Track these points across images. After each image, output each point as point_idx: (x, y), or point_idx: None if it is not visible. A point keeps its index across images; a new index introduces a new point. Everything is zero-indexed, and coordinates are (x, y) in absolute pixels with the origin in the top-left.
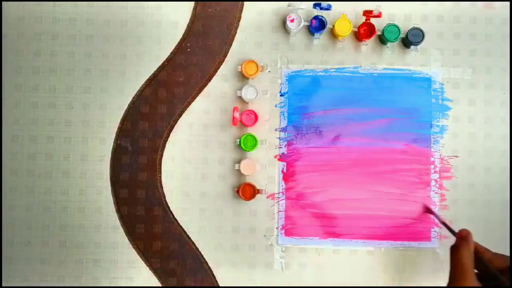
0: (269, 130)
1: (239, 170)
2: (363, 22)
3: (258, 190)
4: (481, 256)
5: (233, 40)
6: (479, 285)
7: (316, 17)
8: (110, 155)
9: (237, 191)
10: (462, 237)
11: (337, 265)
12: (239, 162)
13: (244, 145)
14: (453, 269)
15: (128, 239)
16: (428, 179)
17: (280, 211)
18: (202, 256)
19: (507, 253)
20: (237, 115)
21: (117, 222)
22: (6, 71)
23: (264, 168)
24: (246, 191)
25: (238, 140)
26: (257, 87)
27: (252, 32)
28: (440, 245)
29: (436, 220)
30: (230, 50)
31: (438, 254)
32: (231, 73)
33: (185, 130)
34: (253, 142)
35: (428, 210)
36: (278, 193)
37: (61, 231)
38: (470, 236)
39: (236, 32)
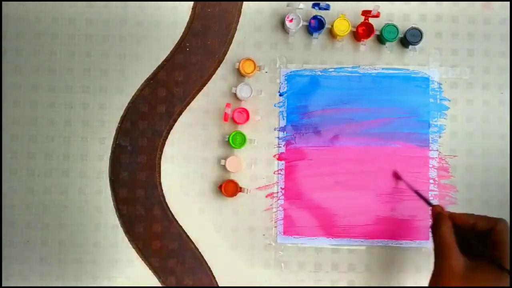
0: (262, 130)
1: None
2: (362, 22)
3: (241, 188)
4: (463, 225)
5: (232, 40)
6: (463, 260)
7: (315, 17)
8: (109, 154)
9: (220, 187)
10: (438, 213)
11: (336, 264)
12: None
13: (233, 142)
14: (437, 247)
15: (128, 238)
16: (426, 179)
17: (279, 210)
18: (201, 255)
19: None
20: (228, 111)
21: (117, 222)
22: (5, 70)
23: (249, 167)
24: (229, 187)
25: (227, 137)
26: (254, 86)
27: (251, 32)
28: None
29: (409, 189)
30: (229, 50)
31: None
32: (230, 72)
33: (184, 130)
34: (242, 139)
35: (397, 177)
36: (277, 193)
37: (61, 230)
38: (444, 210)
39: (235, 32)
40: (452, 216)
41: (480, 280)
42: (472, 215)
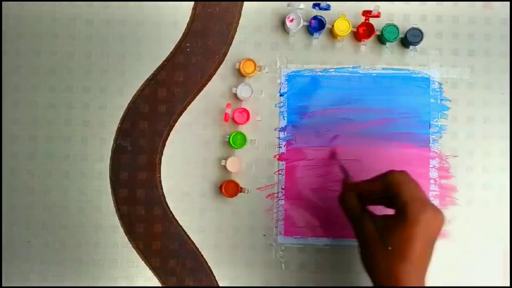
0: (262, 130)
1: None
2: (362, 22)
3: (241, 188)
4: (360, 190)
5: (232, 40)
6: (373, 222)
7: (315, 17)
8: (109, 154)
9: (220, 187)
10: (342, 186)
11: (336, 265)
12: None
13: (233, 142)
14: (348, 219)
15: (128, 238)
16: (426, 179)
17: (280, 210)
18: (202, 256)
19: (508, 256)
20: (229, 111)
21: (117, 222)
22: (6, 71)
23: (250, 167)
24: (229, 188)
25: (227, 137)
26: (255, 87)
27: (252, 32)
28: (439, 244)
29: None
30: (230, 50)
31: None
32: (231, 73)
33: (184, 130)
34: (242, 140)
35: (333, 156)
36: (278, 193)
37: (61, 230)
38: (347, 182)
39: (235, 32)
40: (354, 186)
41: (392, 231)
42: (368, 180)
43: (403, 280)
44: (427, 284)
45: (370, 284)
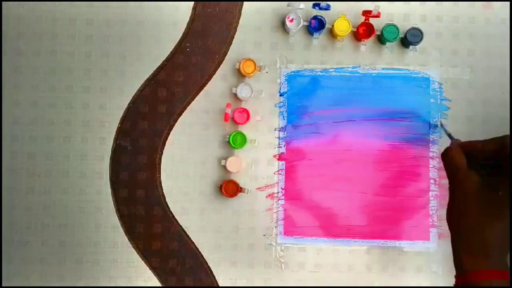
0: (262, 130)
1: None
2: (362, 22)
3: (241, 188)
4: (472, 148)
5: (232, 40)
6: (474, 178)
7: (315, 17)
8: (109, 154)
9: (220, 187)
10: (452, 144)
11: (336, 265)
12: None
13: (233, 142)
14: (448, 172)
15: (128, 238)
16: (426, 179)
17: (279, 210)
18: (202, 256)
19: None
20: (229, 111)
21: (117, 222)
22: (6, 70)
23: (250, 167)
24: (229, 188)
25: (227, 137)
26: (255, 86)
27: (252, 32)
28: (439, 244)
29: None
30: (230, 50)
31: (436, 254)
32: (231, 73)
33: (184, 130)
34: (242, 140)
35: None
36: (277, 193)
37: (61, 230)
38: (458, 142)
39: (235, 32)
40: (462, 145)
41: (493, 193)
42: (479, 140)
43: (487, 241)
44: None
45: (369, 284)
